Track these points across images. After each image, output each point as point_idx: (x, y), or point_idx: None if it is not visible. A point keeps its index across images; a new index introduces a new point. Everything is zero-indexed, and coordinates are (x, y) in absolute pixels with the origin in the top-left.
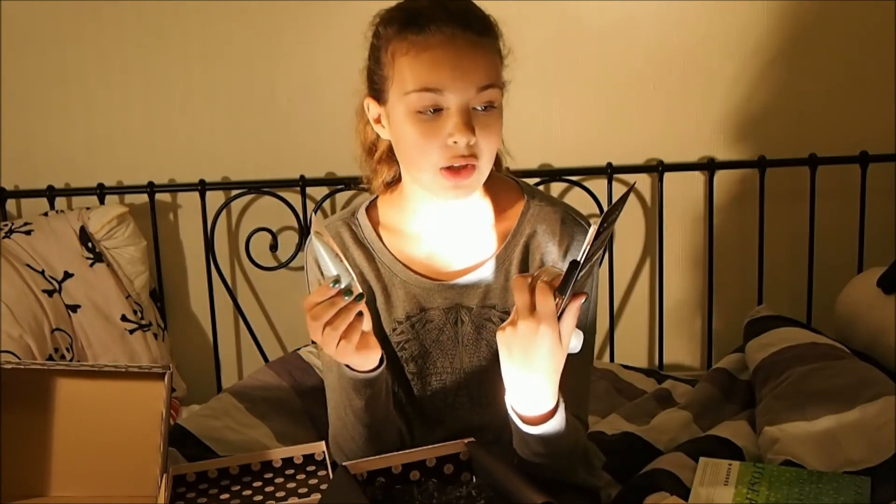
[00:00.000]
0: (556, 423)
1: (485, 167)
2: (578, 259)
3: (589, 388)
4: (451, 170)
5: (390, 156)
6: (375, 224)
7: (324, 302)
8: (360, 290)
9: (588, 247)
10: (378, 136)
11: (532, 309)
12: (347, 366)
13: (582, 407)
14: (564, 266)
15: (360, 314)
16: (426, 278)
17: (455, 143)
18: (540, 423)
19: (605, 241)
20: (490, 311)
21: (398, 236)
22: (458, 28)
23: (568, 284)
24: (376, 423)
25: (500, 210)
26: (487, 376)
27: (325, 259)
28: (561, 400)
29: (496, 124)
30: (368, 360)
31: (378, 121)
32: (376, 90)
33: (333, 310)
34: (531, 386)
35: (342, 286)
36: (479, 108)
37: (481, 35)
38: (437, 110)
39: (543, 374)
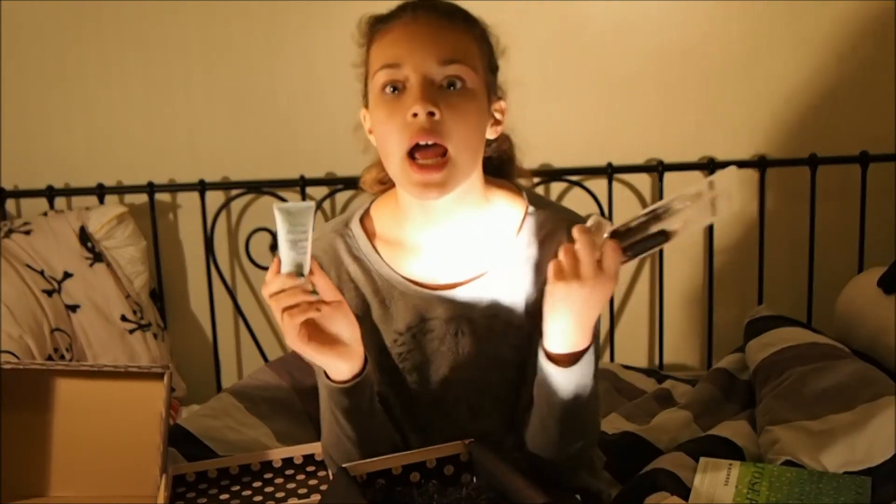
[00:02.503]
0: (586, 365)
1: (459, 158)
2: (669, 230)
3: (598, 385)
4: (419, 165)
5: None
6: (371, 235)
7: (285, 290)
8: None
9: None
10: None
11: (598, 265)
12: (326, 375)
13: (595, 384)
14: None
15: (318, 306)
16: (426, 289)
17: (415, 115)
18: (573, 362)
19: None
20: (492, 321)
21: (395, 247)
22: (421, 11)
23: (644, 249)
24: (358, 435)
25: (502, 219)
26: (488, 386)
27: (284, 241)
28: (593, 341)
29: (467, 105)
30: (338, 366)
31: (371, 131)
32: (365, 97)
33: (290, 297)
34: (576, 330)
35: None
36: (445, 86)
37: (447, 17)
38: (402, 89)
39: (592, 319)
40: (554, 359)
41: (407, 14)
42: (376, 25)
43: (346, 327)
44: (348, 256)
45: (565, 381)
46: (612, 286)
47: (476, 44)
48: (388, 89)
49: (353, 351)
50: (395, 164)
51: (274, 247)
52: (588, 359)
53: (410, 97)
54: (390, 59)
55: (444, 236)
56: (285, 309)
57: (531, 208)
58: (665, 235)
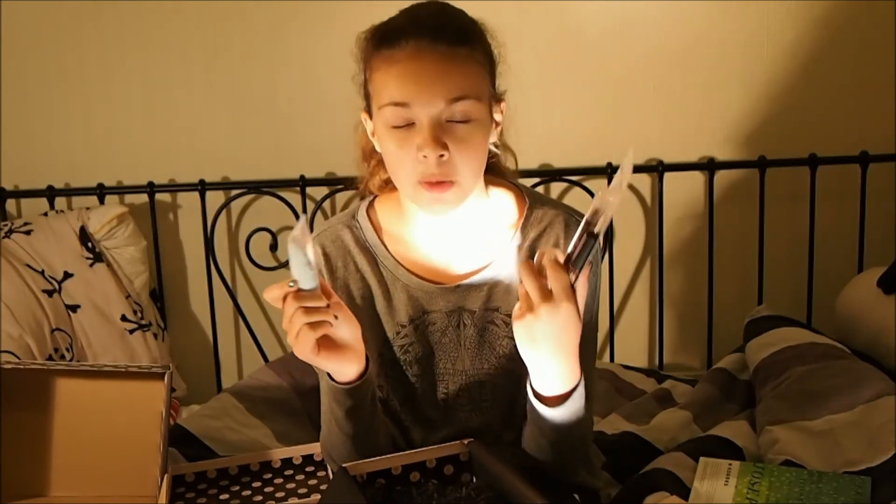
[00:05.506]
0: (576, 402)
1: (466, 182)
2: (595, 230)
3: (595, 381)
4: (429, 184)
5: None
6: (377, 228)
7: (299, 308)
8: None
9: (599, 218)
10: None
11: (546, 291)
12: (329, 376)
13: (589, 398)
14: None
15: (327, 321)
16: (428, 282)
17: (425, 157)
18: (562, 402)
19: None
20: (493, 314)
21: (399, 241)
22: (426, 40)
23: (584, 256)
24: (359, 432)
25: (502, 214)
26: (489, 378)
27: (302, 265)
28: (582, 376)
29: (474, 138)
30: (345, 369)
31: (373, 134)
32: (367, 105)
33: (305, 314)
34: (556, 366)
35: (305, 288)
36: (454, 121)
37: (453, 45)
38: (410, 124)
39: (568, 352)
40: (539, 397)
41: (411, 44)
42: (379, 46)
43: (349, 330)
44: (356, 246)
45: (555, 416)
46: (568, 306)
47: (480, 66)
48: (401, 125)
49: (356, 352)
50: (406, 188)
51: (274, 247)
52: (577, 396)
53: (420, 137)
54: (397, 97)
55: (447, 232)
56: (309, 323)
57: (529, 203)
58: (594, 237)
